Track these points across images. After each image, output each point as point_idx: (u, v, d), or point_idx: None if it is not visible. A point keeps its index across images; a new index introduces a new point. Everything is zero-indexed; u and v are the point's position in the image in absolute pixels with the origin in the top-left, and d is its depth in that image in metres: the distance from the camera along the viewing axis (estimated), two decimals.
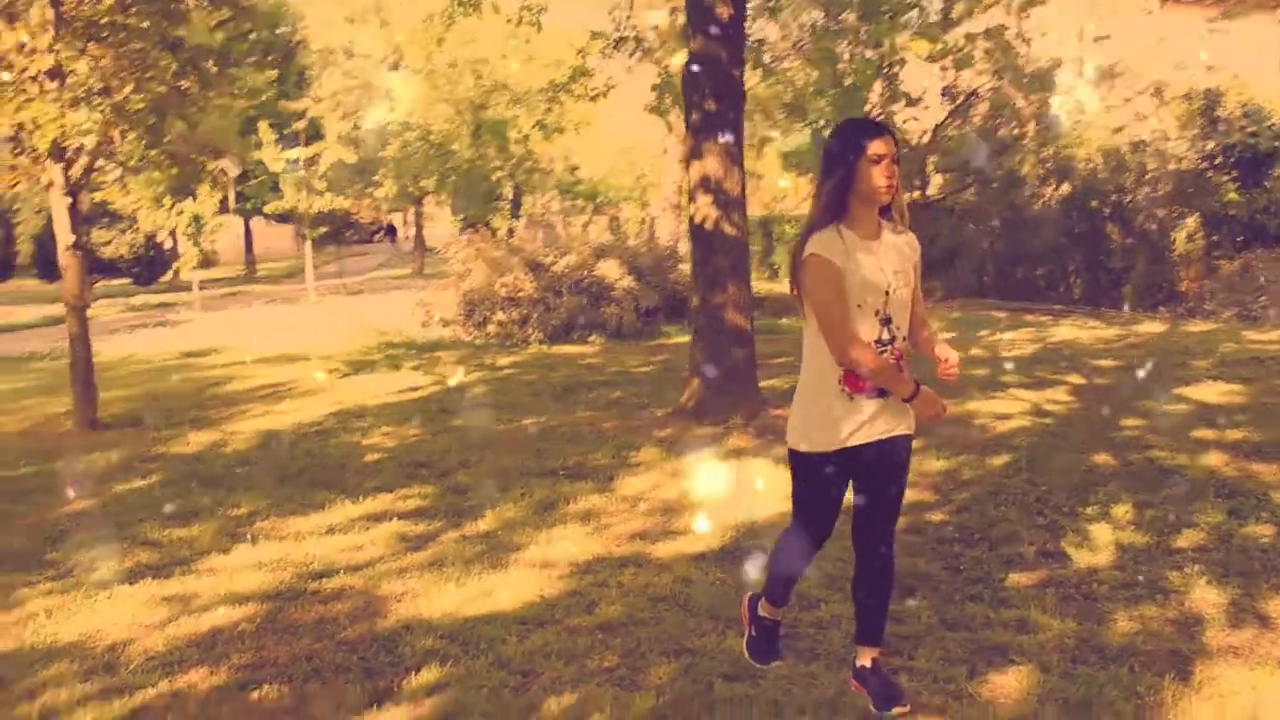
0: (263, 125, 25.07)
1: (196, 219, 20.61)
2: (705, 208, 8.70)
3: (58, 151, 9.58)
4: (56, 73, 9.34)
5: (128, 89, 10.01)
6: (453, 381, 11.87)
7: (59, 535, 6.45)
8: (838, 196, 3.49)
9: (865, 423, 3.53)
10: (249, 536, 6.18)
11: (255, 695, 4.07)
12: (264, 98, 33.66)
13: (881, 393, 3.52)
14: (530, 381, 11.87)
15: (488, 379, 12.19)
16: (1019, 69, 19.51)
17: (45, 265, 34.03)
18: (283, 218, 29.95)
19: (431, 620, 4.73)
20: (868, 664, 3.74)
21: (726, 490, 6.77)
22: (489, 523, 6.26)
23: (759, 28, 15.14)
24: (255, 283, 38.81)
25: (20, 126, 9.31)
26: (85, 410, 10.07)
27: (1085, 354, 12.32)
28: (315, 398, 11.36)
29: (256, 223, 43.00)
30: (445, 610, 4.85)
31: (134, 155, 10.32)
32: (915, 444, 7.44)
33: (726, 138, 8.58)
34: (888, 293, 3.49)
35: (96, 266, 32.03)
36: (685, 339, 15.18)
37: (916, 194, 19.88)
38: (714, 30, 8.49)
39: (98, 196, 28.64)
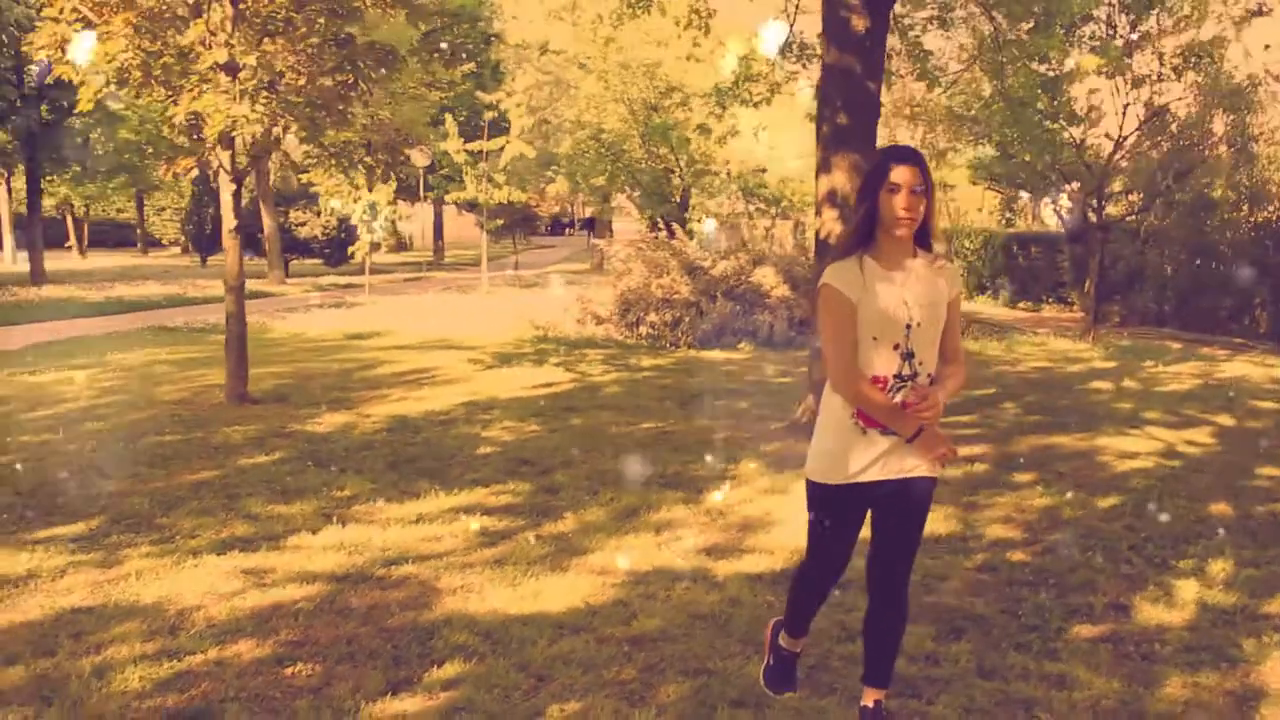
0: (449, 118, 25.91)
1: (372, 206, 21.47)
2: (830, 222, 8.60)
3: (226, 140, 10.18)
4: (230, 66, 9.91)
5: (301, 81, 10.57)
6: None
7: (175, 502, 6.86)
8: (865, 225, 3.45)
9: (879, 459, 3.47)
10: (340, 519, 6.45)
11: (289, 671, 4.27)
12: (459, 90, 34.82)
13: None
14: (664, 386, 11.96)
15: (624, 380, 12.33)
16: (1218, 86, 18.53)
17: (248, 242, 36.06)
18: (472, 206, 30.90)
19: (474, 616, 4.85)
20: (870, 704, 3.68)
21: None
22: (567, 525, 6.37)
23: (930, 38, 14.82)
24: (441, 269, 40.23)
25: (195, 115, 9.93)
26: (236, 384, 10.66)
27: (1248, 393, 11.64)
28: (454, 386, 11.74)
29: (449, 211, 44.52)
30: (491, 608, 4.97)
31: (301, 147, 10.84)
32: (1024, 477, 7.38)
33: (856, 152, 8.46)
34: (909, 326, 3.41)
35: (293, 246, 33.72)
36: None
37: (1092, 215, 19.08)
38: (849, 42, 8.38)
39: (305, 179, 30.34)
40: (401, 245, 54.49)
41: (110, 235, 54.69)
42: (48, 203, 44.27)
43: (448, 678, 4.20)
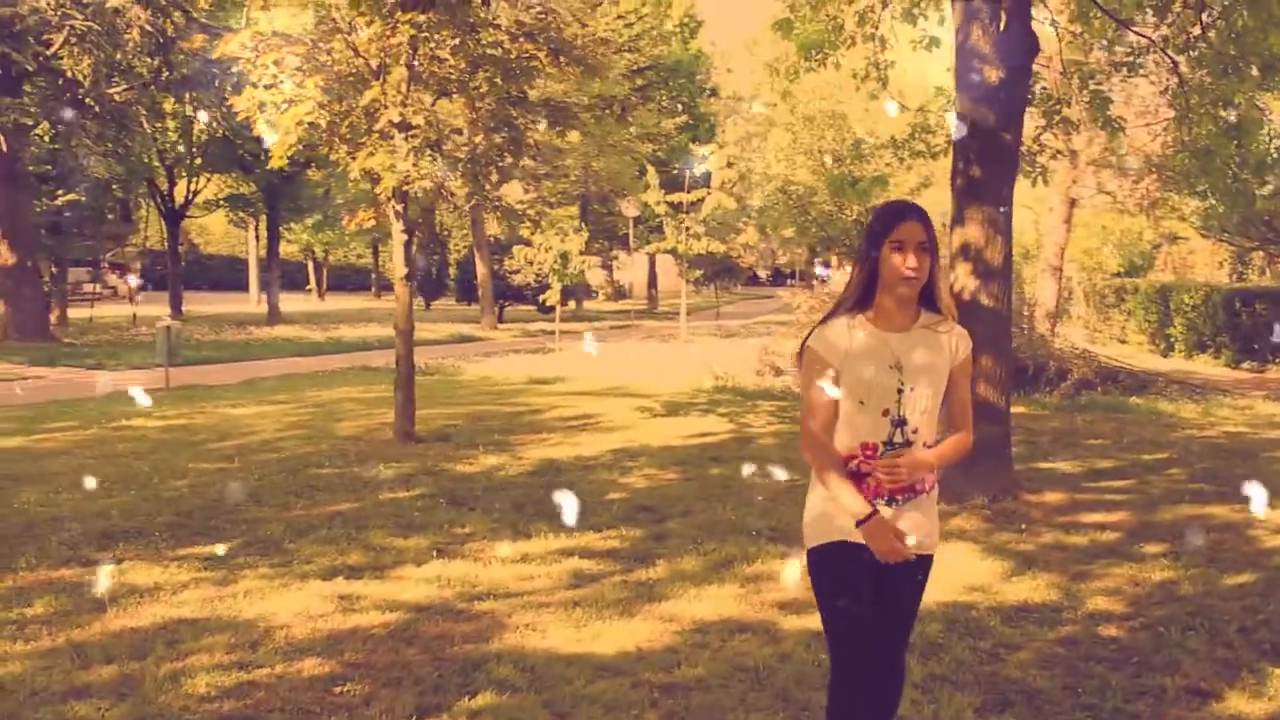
0: (650, 170, 26.61)
1: (563, 255, 22.27)
2: (963, 277, 8.47)
3: (400, 194, 10.88)
4: (402, 125, 10.62)
5: (477, 138, 11.22)
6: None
7: (307, 530, 7.38)
8: (863, 284, 3.32)
9: None
10: (449, 554, 6.79)
11: (338, 689, 4.58)
12: (673, 143, 35.68)
13: (892, 499, 3.29)
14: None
15: (782, 432, 12.35)
16: None
17: (465, 288, 37.86)
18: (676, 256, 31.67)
19: (527, 653, 5.05)
20: None
21: None
22: (657, 572, 6.50)
23: (1113, 84, 14.34)
24: (653, 317, 41.06)
25: (369, 171, 10.67)
26: (403, 423, 11.29)
27: None
28: (613, 433, 12.05)
29: (666, 260, 45.50)
30: (548, 646, 5.16)
31: (469, 200, 11.45)
32: (1153, 548, 7.04)
33: (990, 205, 8.33)
34: (900, 390, 3.26)
35: (506, 293, 35.13)
36: (1020, 409, 14.61)
37: None
38: (981, 93, 8.29)
39: (522, 228, 31.69)
40: (620, 294, 55.91)
41: (350, 279, 58.41)
42: (291, 249, 47.73)
43: (475, 708, 4.41)
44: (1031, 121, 11.33)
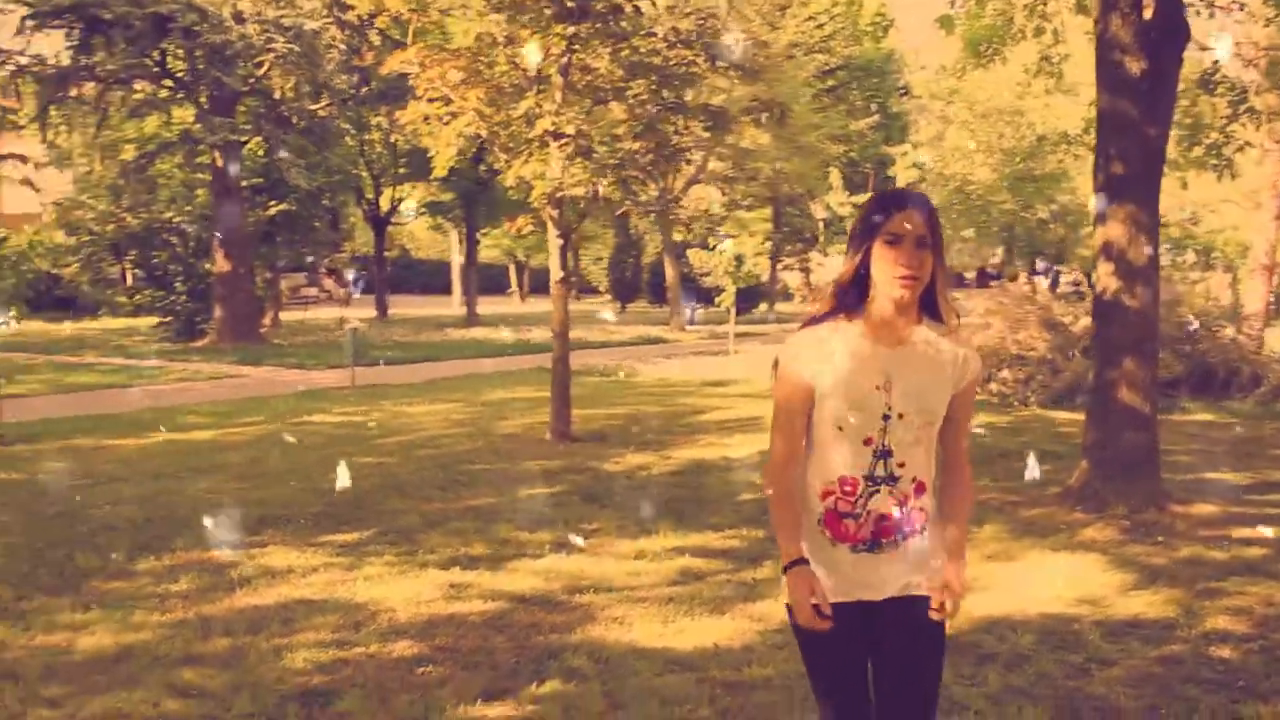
0: (833, 171, 26.42)
1: (738, 257, 22.36)
2: (1106, 277, 8.18)
3: (555, 200, 11.24)
4: (556, 134, 10.96)
5: (633, 145, 11.49)
6: None
7: (440, 521, 7.77)
8: (852, 285, 2.81)
9: (847, 580, 2.83)
10: (568, 549, 7.04)
11: (420, 670, 4.86)
12: (864, 144, 35.25)
13: (875, 544, 2.79)
14: (980, 443, 11.65)
15: None
16: None
17: (656, 290, 38.37)
18: None
19: (606, 645, 5.22)
20: None
21: (1016, 579, 6.45)
22: (763, 573, 6.55)
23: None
24: None
25: (523, 179, 11.07)
26: (559, 423, 11.65)
27: None
28: (767, 435, 12.08)
29: None
30: (629, 639, 5.32)
31: (618, 205, 11.72)
32: None
33: (1133, 204, 8.02)
34: (886, 417, 2.74)
35: (697, 295, 35.43)
36: (1207, 416, 13.92)
37: None
38: (1122, 86, 7.98)
39: (708, 231, 32.00)
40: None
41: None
42: (494, 252, 49.36)
43: (539, 694, 4.61)
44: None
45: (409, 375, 19.04)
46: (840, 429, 2.76)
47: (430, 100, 11.14)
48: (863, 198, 26.11)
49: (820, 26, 33.61)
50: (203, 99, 22.25)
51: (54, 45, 22.21)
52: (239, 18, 20.67)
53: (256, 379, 18.66)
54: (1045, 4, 12.67)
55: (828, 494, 2.80)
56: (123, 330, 29.29)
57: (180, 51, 21.42)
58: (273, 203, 26.45)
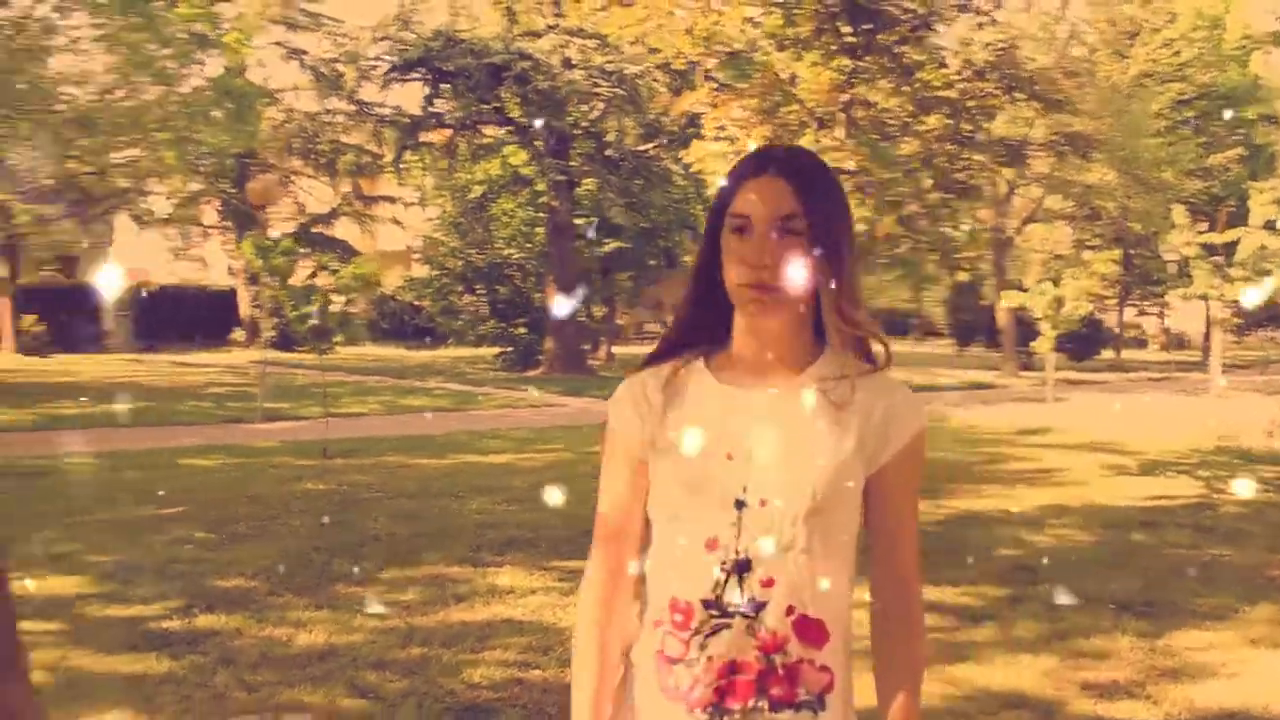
0: (1176, 208, 24.43)
1: (1058, 300, 21.00)
2: None
3: None
4: (837, 171, 10.85)
5: (918, 180, 11.23)
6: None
7: None
8: (699, 297, 1.87)
9: None
10: None
11: None
12: (1227, 178, 32.42)
13: (720, 711, 1.73)
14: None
15: (1255, 502, 10.94)
16: None
17: (991, 333, 36.93)
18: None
19: None
20: None
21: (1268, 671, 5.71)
22: (982, 634, 6.17)
23: None
24: (1202, 369, 37.39)
25: None
26: None
27: None
28: (1059, 489, 11.37)
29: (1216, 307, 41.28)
30: None
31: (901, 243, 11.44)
32: None
33: None
34: (740, 504, 1.74)
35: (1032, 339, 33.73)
36: None
37: None
38: None
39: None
40: (1178, 343, 51.48)
41: (896, 324, 59.00)
42: None
43: None
44: None
45: None
46: (675, 519, 1.79)
47: (715, 140, 11.36)
48: (1208, 237, 24.05)
49: (1176, 54, 31.19)
50: (538, 142, 23.79)
51: (408, 97, 24.44)
52: (567, 64, 21.96)
53: (573, 409, 19.53)
54: None
55: (658, 624, 1.79)
56: (470, 359, 31.52)
57: (516, 98, 23.03)
58: (607, 241, 27.70)
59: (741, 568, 1.73)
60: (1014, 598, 6.98)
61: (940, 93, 11.17)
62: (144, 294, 36.22)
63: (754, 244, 1.73)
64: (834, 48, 10.55)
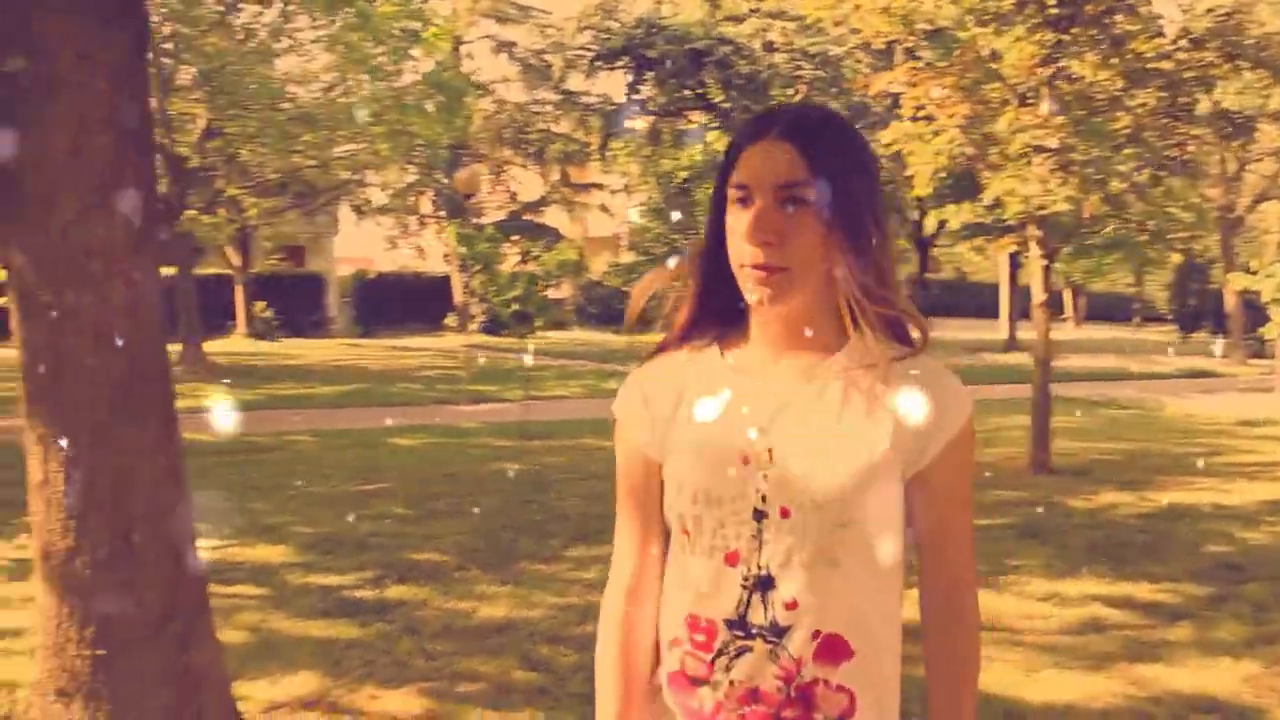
0: None
1: None
2: None
3: (1037, 218, 10.68)
4: (1040, 148, 10.43)
5: (1126, 163, 10.70)
6: None
7: None
8: (709, 278, 1.63)
9: None
10: (984, 584, 6.72)
11: None
12: None
13: None
14: None
15: None
16: None
17: (1218, 319, 34.71)
18: None
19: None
20: None
21: None
22: (1177, 633, 5.84)
23: None
24: None
25: (997, 199, 10.66)
26: (1038, 453, 11.06)
27: None
28: None
29: None
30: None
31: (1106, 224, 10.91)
32: None
33: None
34: (760, 514, 1.54)
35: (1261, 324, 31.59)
36: None
37: None
38: None
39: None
40: None
41: (1117, 308, 56.19)
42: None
43: None
44: None
45: None
46: (686, 531, 1.59)
47: (913, 120, 11.09)
48: None
49: None
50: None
51: (613, 85, 24.83)
52: (769, 47, 21.81)
53: None
54: None
55: (675, 643, 1.63)
56: None
57: (718, 83, 23.04)
58: None
59: (764, 584, 1.54)
60: (1217, 597, 6.58)
61: (1154, 64, 10.57)
62: (365, 281, 38.07)
63: (756, 218, 1.50)
64: (1038, 21, 10.12)
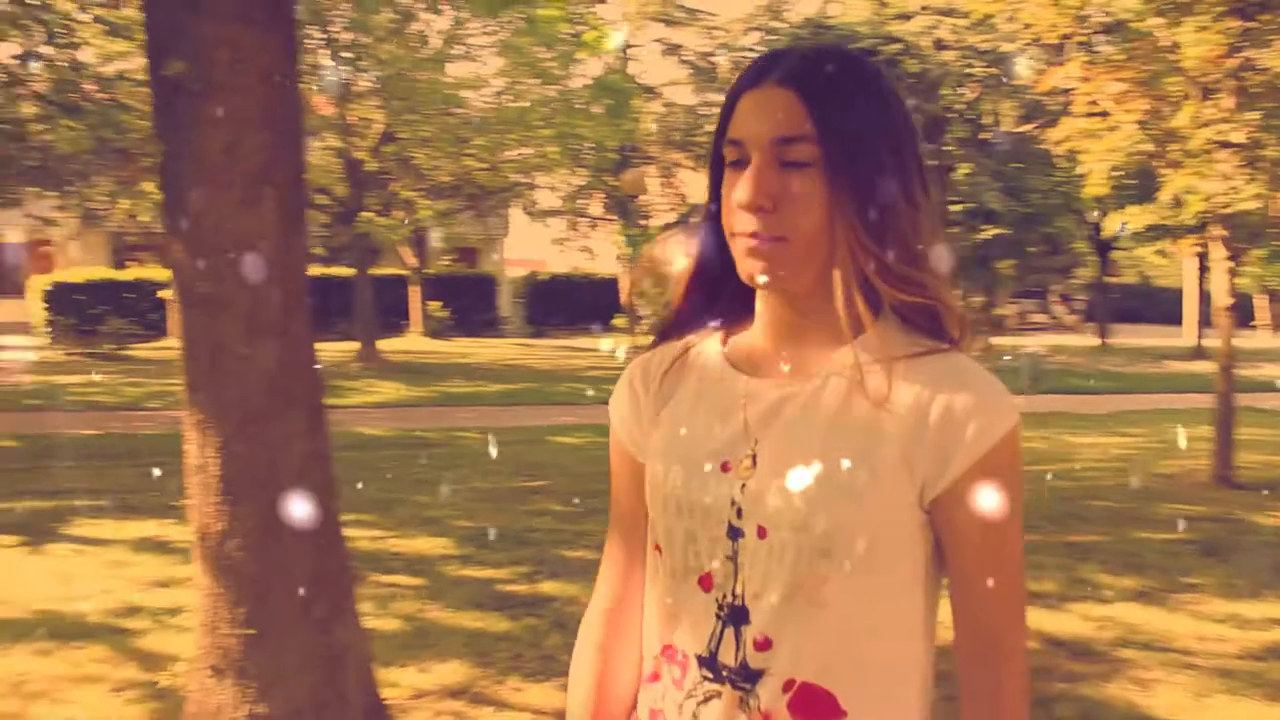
0: None
1: None
2: None
3: (1222, 218, 10.09)
4: (1224, 143, 9.86)
5: None
6: None
7: (1029, 551, 7.34)
8: (710, 260, 1.36)
9: None
10: (1148, 599, 6.41)
11: None
12: None
13: None
14: None
15: None
16: None
17: None
18: None
19: (1103, 703, 4.72)
20: None
21: None
22: None
23: None
24: None
25: (1177, 198, 10.13)
26: (1219, 465, 10.49)
27: None
28: None
29: None
30: (1140, 705, 4.74)
31: None
32: None
33: None
34: (735, 531, 1.27)
35: None
36: None
37: None
38: None
39: None
40: None
41: None
42: (1242, 281, 44.83)
43: None
44: None
45: (1096, 405, 18.18)
46: (660, 549, 1.36)
47: (1087, 116, 10.64)
48: None
49: None
50: None
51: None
52: (939, 45, 21.25)
53: None
54: None
55: (653, 678, 1.39)
56: None
57: None
58: (984, 227, 26.61)
59: (736, 617, 1.26)
60: None
61: None
62: (536, 282, 38.78)
63: (749, 179, 1.21)
64: (1221, 10, 9.56)
